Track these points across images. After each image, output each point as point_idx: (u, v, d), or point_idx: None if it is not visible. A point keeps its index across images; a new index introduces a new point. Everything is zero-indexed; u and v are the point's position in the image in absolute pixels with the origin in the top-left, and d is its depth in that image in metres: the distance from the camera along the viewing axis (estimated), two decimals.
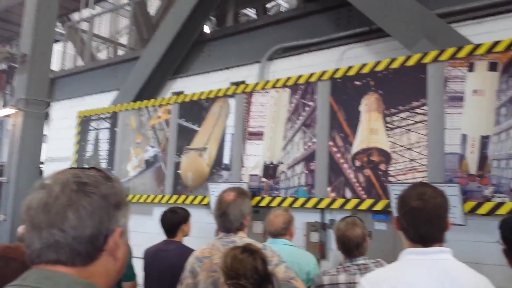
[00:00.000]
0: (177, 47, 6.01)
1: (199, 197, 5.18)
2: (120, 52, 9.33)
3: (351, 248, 2.59)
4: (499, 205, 3.39)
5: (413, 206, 1.65)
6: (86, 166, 6.37)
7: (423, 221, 1.64)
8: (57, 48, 10.46)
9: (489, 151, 3.52)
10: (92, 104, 6.93)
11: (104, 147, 6.41)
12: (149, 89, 6.20)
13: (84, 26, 8.62)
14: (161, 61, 6.02)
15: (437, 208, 1.66)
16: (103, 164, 6.35)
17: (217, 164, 5.15)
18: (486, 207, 3.44)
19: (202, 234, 4.36)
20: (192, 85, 5.90)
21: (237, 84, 5.28)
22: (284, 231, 3.18)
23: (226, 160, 5.08)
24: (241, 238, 2.56)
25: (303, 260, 3.10)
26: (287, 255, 2.95)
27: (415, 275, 1.57)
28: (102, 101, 6.79)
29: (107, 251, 0.95)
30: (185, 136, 5.50)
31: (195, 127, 5.44)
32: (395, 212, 1.75)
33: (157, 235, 3.64)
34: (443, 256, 1.64)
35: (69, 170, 0.98)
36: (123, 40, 10.14)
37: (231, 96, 5.18)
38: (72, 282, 0.89)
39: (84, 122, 6.77)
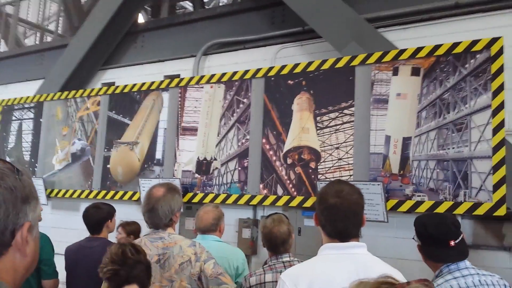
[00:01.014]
0: (108, 36, 5.79)
1: (129, 193, 5.05)
2: (49, 39, 8.84)
3: (277, 244, 2.64)
4: (418, 203, 3.61)
5: (331, 203, 1.71)
6: (7, 158, 5.99)
7: (340, 218, 1.70)
8: None
9: (410, 152, 3.73)
10: (15, 93, 6.52)
11: (27, 139, 6.06)
12: (78, 79, 5.93)
13: (9, 9, 8.07)
14: (91, 50, 5.78)
15: (353, 205, 1.73)
16: (26, 157, 6.00)
17: (149, 159, 5.04)
18: (407, 205, 3.65)
19: None
20: (124, 76, 5.72)
21: (171, 77, 5.19)
22: (214, 227, 3.18)
23: (158, 155, 4.99)
24: (169, 235, 2.53)
25: (232, 255, 3.13)
26: (216, 251, 2.96)
27: (332, 268, 1.64)
28: (27, 90, 6.41)
29: (15, 246, 0.91)
30: (115, 129, 5.33)
31: (126, 120, 5.29)
32: (316, 209, 1.79)
33: (85, 232, 3.51)
34: (358, 250, 1.71)
35: None
36: (52, 26, 9.61)
37: (165, 89, 5.08)
38: None
39: (6, 111, 6.36)
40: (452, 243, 2.08)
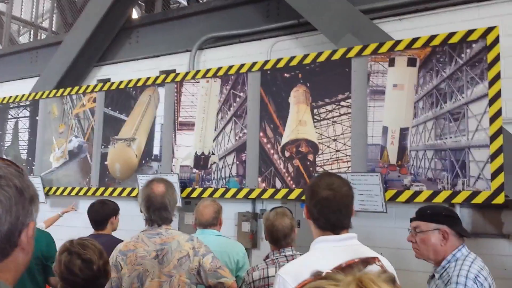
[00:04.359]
0: (102, 32, 5.76)
1: (128, 189, 5.04)
2: (43, 36, 8.78)
3: (279, 238, 2.64)
4: (417, 193, 3.62)
5: (324, 196, 1.72)
6: (4, 156, 5.96)
7: (333, 210, 1.72)
8: None
9: (408, 142, 3.74)
10: (10, 91, 6.48)
11: (24, 137, 6.03)
12: (73, 76, 5.91)
13: (2, 7, 8.01)
14: (85, 46, 5.75)
15: (345, 197, 1.75)
16: (23, 155, 5.99)
17: (147, 155, 5.04)
18: (405, 195, 3.66)
19: (132, 227, 4.25)
20: (119, 72, 5.70)
21: (166, 72, 5.17)
22: (215, 221, 3.21)
23: (156, 151, 4.99)
24: (167, 230, 2.54)
25: (232, 249, 3.14)
26: (216, 246, 2.98)
27: (331, 261, 1.64)
28: (22, 88, 6.38)
29: (19, 246, 0.92)
30: (112, 126, 5.32)
31: (122, 117, 5.27)
32: (307, 203, 1.80)
33: (84, 229, 3.49)
34: (352, 241, 1.74)
35: None
36: (46, 24, 9.54)
37: (161, 85, 5.07)
38: None
39: (2, 110, 6.33)
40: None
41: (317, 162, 4.11)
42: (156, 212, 2.53)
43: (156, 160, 4.97)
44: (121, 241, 3.07)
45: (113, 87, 5.38)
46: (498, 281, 2.26)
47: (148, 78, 5.17)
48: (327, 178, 1.79)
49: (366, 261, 0.81)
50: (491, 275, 2.15)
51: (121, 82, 5.35)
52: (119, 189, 5.12)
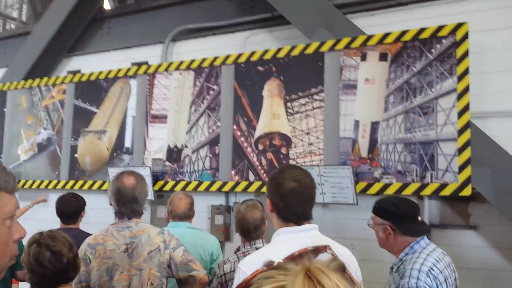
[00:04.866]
0: (73, 22, 5.63)
1: (99, 182, 4.96)
2: (12, 26, 8.52)
3: (250, 230, 2.64)
4: (387, 185, 3.68)
5: (290, 188, 1.72)
6: None
7: (299, 202, 1.74)
8: None
9: (379, 136, 3.79)
10: None
11: None
12: (42, 67, 5.76)
13: None
14: (55, 37, 5.61)
15: (309, 188, 1.77)
16: None
17: (118, 147, 4.96)
18: (375, 188, 3.72)
19: (103, 221, 4.18)
20: (90, 64, 5.59)
21: (139, 64, 5.09)
22: (190, 213, 3.21)
23: (127, 143, 4.91)
24: (137, 223, 2.51)
25: (207, 242, 3.14)
26: (190, 238, 2.98)
27: (290, 251, 1.65)
28: None
29: None
30: (82, 118, 5.21)
31: (93, 109, 5.17)
32: (270, 195, 1.80)
33: (53, 223, 3.42)
34: (313, 232, 1.76)
35: None
36: (15, 14, 9.25)
37: (133, 77, 4.99)
38: None
39: None
40: (420, 218, 2.23)
41: (290, 155, 4.13)
42: (127, 205, 2.50)
43: (127, 153, 4.90)
44: (90, 235, 3.03)
45: (84, 79, 5.27)
46: (464, 271, 2.32)
47: (119, 70, 5.08)
48: (290, 170, 1.81)
49: (318, 250, 0.81)
50: (452, 266, 2.19)
51: (92, 74, 5.24)
52: (89, 182, 5.03)
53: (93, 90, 5.20)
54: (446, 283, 2.07)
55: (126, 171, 2.66)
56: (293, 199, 1.72)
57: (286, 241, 1.68)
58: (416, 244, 2.16)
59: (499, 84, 3.58)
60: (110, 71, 5.12)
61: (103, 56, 5.58)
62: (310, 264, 0.66)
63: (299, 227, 1.73)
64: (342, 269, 0.70)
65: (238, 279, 1.62)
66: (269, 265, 0.71)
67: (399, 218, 2.20)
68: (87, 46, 5.75)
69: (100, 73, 5.18)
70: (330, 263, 0.70)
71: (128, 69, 5.04)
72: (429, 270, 2.03)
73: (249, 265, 1.64)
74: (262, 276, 0.68)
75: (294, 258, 0.75)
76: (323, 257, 0.78)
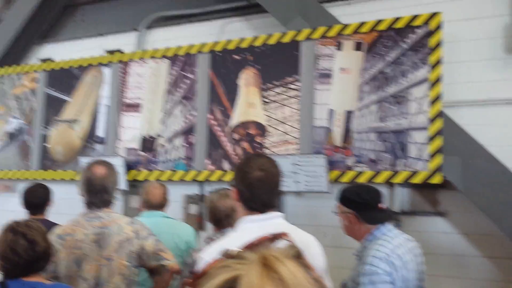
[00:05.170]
0: (45, 9, 5.49)
1: (70, 172, 4.87)
2: None
3: (221, 218, 2.64)
4: (359, 173, 3.71)
5: (257, 177, 1.73)
6: None
7: (266, 190, 1.75)
8: None
9: (352, 125, 3.81)
10: None
11: None
12: (12, 55, 5.61)
13: None
14: (26, 24, 5.46)
15: (276, 177, 1.79)
16: None
17: (90, 137, 4.87)
18: (348, 176, 3.74)
19: (74, 211, 4.11)
20: (62, 51, 5.45)
21: (112, 52, 5.00)
22: (165, 202, 3.20)
23: (100, 133, 4.83)
24: (107, 213, 2.48)
25: (183, 231, 3.13)
26: (167, 227, 2.99)
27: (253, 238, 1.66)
28: None
29: None
30: (54, 107, 5.10)
31: (65, 97, 5.07)
32: (236, 184, 1.81)
33: (23, 214, 3.35)
34: (278, 220, 1.77)
35: None
36: None
37: (106, 65, 4.90)
38: None
39: None
40: (381, 205, 2.29)
41: (265, 144, 4.12)
42: (97, 195, 2.48)
43: (100, 142, 4.82)
44: (57, 225, 2.98)
45: (56, 67, 5.16)
46: (432, 256, 2.37)
47: (92, 58, 4.98)
48: (257, 159, 1.82)
49: (275, 238, 0.81)
50: (416, 252, 2.24)
51: (64, 62, 5.13)
52: (61, 172, 4.94)
53: (65, 79, 5.09)
54: (406, 268, 2.11)
55: (97, 160, 2.64)
56: (259, 188, 1.73)
57: (249, 229, 1.68)
58: (377, 231, 2.20)
59: (470, 74, 3.63)
60: (83, 59, 5.02)
61: (76, 44, 5.45)
62: (266, 252, 0.66)
63: (263, 215, 1.74)
64: (298, 256, 0.71)
65: (198, 268, 1.62)
66: (227, 255, 0.71)
67: (360, 206, 2.25)
68: (60, 34, 5.62)
69: (73, 61, 5.07)
70: (287, 250, 0.70)
71: (102, 57, 4.95)
72: (387, 256, 2.08)
73: (210, 254, 1.64)
74: (218, 266, 0.67)
75: (252, 246, 0.75)
76: (281, 244, 0.78)
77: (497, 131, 3.49)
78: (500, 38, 3.59)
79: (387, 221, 2.26)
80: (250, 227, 1.69)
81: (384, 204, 2.34)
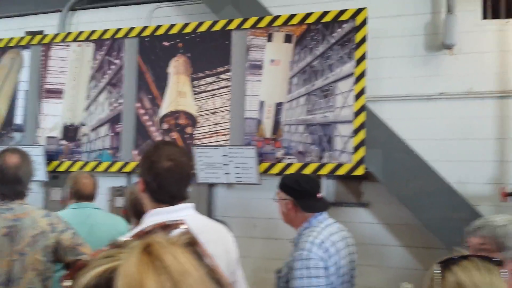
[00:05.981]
0: None
1: None
2: None
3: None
4: (288, 165, 3.76)
5: (165, 167, 1.66)
6: None
7: (174, 181, 1.68)
8: None
9: (282, 117, 3.85)
10: None
11: None
12: None
13: None
14: None
15: (186, 167, 1.73)
16: None
17: (7, 124, 4.57)
18: (278, 168, 3.79)
19: None
20: None
21: (33, 34, 4.68)
22: (95, 193, 3.08)
23: (18, 120, 4.55)
24: (20, 205, 2.34)
25: (118, 222, 3.06)
26: (101, 218, 2.91)
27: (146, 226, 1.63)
28: None
29: None
30: None
31: None
32: (143, 175, 1.73)
33: None
34: (187, 211, 1.70)
35: None
36: None
37: (26, 47, 4.59)
38: None
39: None
40: (319, 195, 2.35)
41: (195, 135, 4.06)
42: (9, 186, 2.33)
43: (18, 130, 4.53)
44: None
45: None
46: (357, 246, 2.47)
47: (11, 39, 4.65)
48: (165, 147, 1.73)
49: (170, 226, 0.78)
50: (348, 241, 2.33)
51: None
52: None
53: None
54: (339, 255, 2.20)
55: (10, 148, 2.47)
56: (168, 179, 1.66)
57: (153, 222, 1.63)
58: (314, 219, 2.27)
59: (393, 69, 3.78)
60: (0, 40, 4.67)
61: None
62: (151, 240, 0.63)
63: (172, 207, 1.67)
64: (190, 243, 0.67)
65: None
66: (112, 244, 0.67)
67: (299, 194, 2.30)
68: None
69: None
70: (177, 237, 0.67)
71: (21, 39, 4.63)
72: (321, 243, 2.15)
73: None
74: (101, 256, 0.63)
75: (142, 235, 0.71)
76: (177, 232, 0.75)
77: (416, 125, 3.67)
78: (421, 36, 3.77)
79: (324, 210, 2.33)
80: (157, 220, 1.64)
81: (321, 194, 2.41)
